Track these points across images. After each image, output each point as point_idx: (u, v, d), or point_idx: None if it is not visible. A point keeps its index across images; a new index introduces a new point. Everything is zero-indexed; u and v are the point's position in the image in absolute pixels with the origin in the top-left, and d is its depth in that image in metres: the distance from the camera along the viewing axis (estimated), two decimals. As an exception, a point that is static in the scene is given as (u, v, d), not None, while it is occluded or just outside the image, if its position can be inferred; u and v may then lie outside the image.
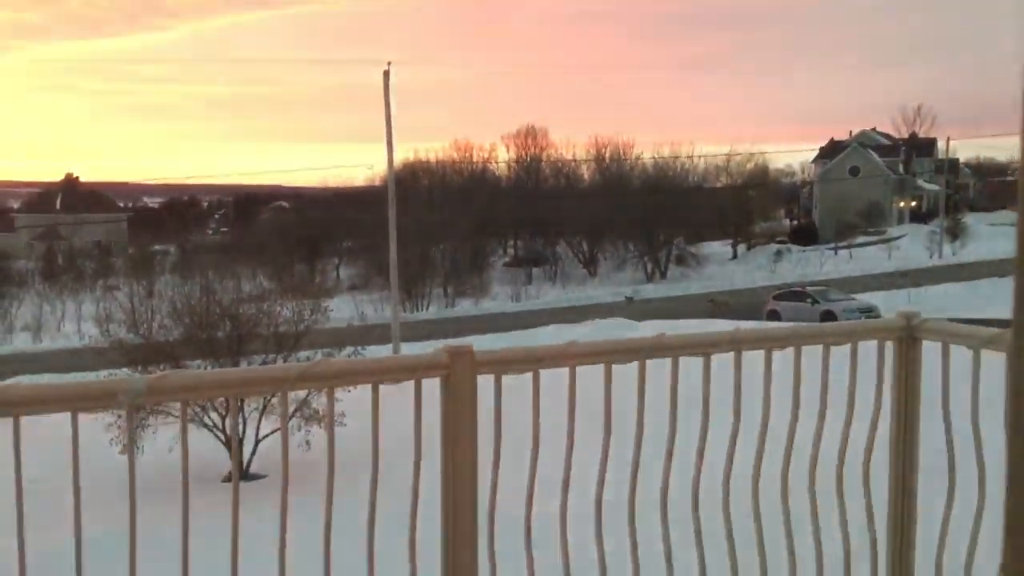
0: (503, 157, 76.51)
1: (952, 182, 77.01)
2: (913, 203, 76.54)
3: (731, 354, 2.72)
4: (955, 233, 61.76)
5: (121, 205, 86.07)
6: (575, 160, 75.39)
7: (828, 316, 32.77)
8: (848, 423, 2.86)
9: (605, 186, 69.90)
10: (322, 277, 58.68)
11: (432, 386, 2.43)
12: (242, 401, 13.06)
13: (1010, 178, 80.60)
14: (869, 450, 2.89)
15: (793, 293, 37.59)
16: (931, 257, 57.71)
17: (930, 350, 2.90)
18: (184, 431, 2.30)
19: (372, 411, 2.40)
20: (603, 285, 57.91)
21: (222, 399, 12.70)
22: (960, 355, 2.78)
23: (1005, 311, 1.34)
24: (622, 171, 72.70)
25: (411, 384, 2.40)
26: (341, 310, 33.94)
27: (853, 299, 36.14)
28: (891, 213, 72.82)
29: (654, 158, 71.66)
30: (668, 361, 2.65)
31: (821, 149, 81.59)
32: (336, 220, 64.25)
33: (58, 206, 73.85)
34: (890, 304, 34.11)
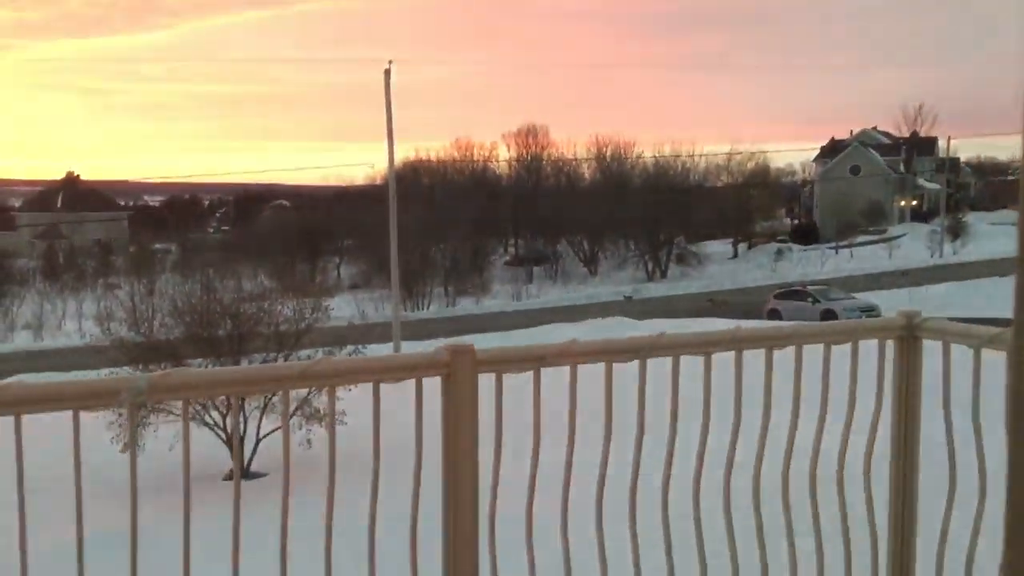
0: (504, 156, 76.56)
1: (953, 181, 76.98)
2: (914, 202, 76.52)
3: (732, 353, 2.72)
4: (956, 232, 61.76)
5: (122, 204, 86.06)
6: (576, 159, 75.43)
7: (829, 315, 32.75)
8: (849, 422, 2.86)
9: (606, 185, 69.84)
10: (323, 276, 58.71)
11: (433, 385, 2.43)
12: (243, 400, 13.06)
13: (1011, 177, 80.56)
14: (870, 449, 2.89)
15: (794, 292, 37.60)
16: (932, 256, 57.71)
17: (931, 349, 2.90)
18: (186, 429, 2.30)
19: (373, 410, 2.40)
20: (604, 284, 57.92)
21: (223, 398, 12.70)
22: (961, 354, 2.78)
23: (1006, 310, 1.34)
24: (623, 170, 72.66)
25: (412, 383, 2.40)
26: (342, 309, 33.95)
27: (854, 298, 36.15)
28: (892, 212, 72.81)
29: (655, 157, 71.69)
30: (669, 360, 2.65)
31: (822, 148, 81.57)
32: (337, 219, 64.28)
33: (59, 205, 73.87)
34: (891, 303, 34.09)
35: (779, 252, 62.39)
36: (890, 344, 2.91)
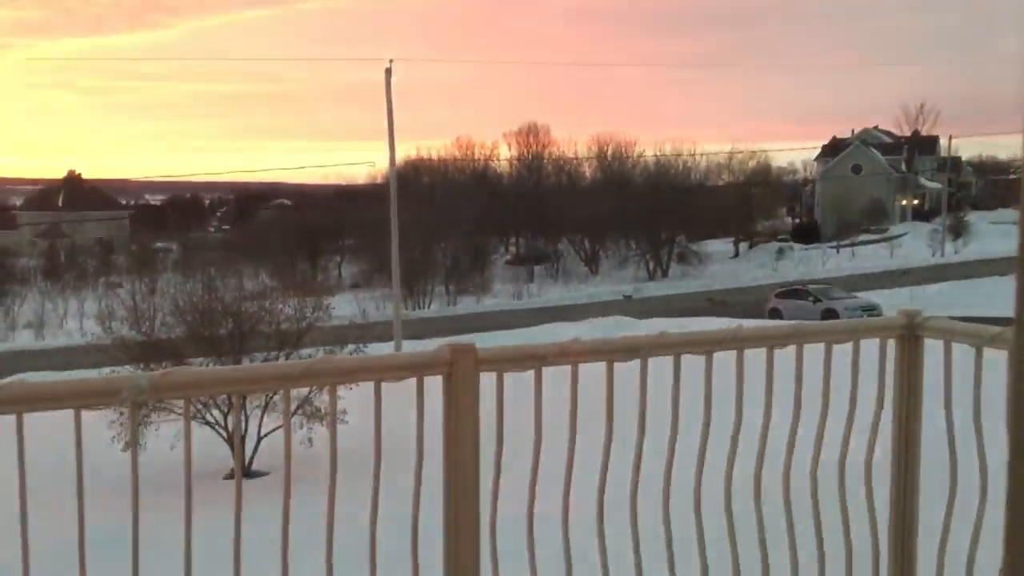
0: (505, 155, 76.58)
1: (954, 180, 76.94)
2: (915, 201, 76.47)
3: (733, 352, 2.72)
4: (957, 231, 61.72)
5: (123, 202, 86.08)
6: (577, 158, 75.44)
7: (830, 314, 32.73)
8: (850, 421, 2.86)
9: (607, 184, 69.83)
10: (324, 275, 58.75)
11: (434, 384, 2.43)
12: (244, 398, 13.07)
13: (1012, 176, 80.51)
14: (871, 448, 2.89)
15: (795, 291, 37.58)
16: (933, 255, 57.68)
17: (932, 348, 2.90)
18: (187, 428, 2.31)
19: (375, 408, 2.40)
20: (605, 283, 57.92)
21: (224, 396, 12.72)
22: (962, 353, 2.78)
23: (1007, 309, 1.34)
24: (624, 169, 72.67)
25: (413, 382, 2.41)
26: (343, 308, 33.95)
27: (855, 297, 36.12)
28: (893, 211, 72.77)
29: (656, 156, 71.70)
30: (670, 359, 2.65)
31: (823, 147, 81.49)
32: (338, 218, 64.27)
33: (60, 203, 73.90)
34: (892, 302, 34.07)
35: (780, 251, 62.36)
36: (891, 343, 2.91)
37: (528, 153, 75.15)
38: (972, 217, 67.84)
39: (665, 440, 2.68)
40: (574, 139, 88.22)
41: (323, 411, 14.25)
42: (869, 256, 59.33)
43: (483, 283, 55.74)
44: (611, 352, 2.61)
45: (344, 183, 76.87)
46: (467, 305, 50.59)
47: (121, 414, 13.11)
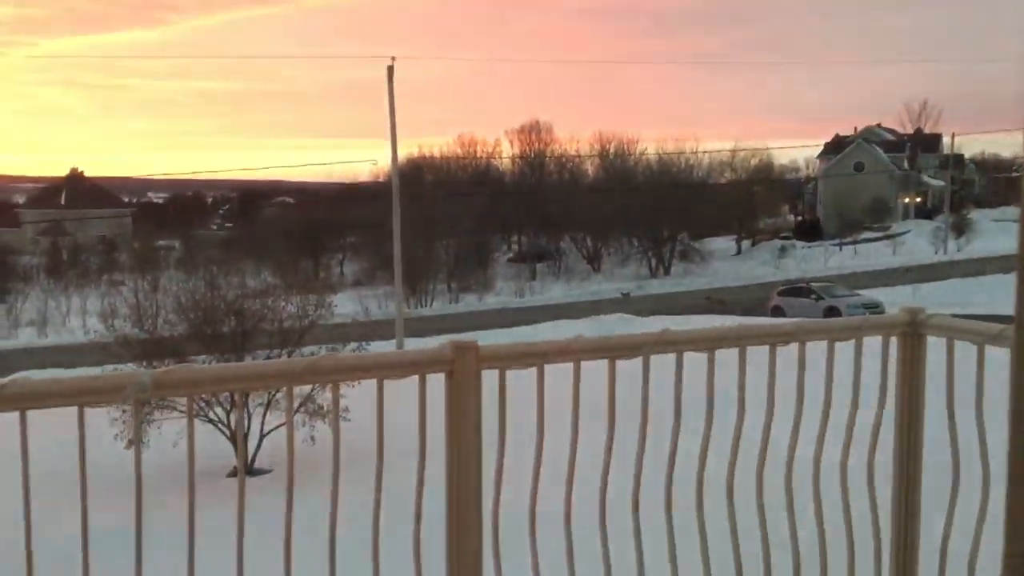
0: (507, 153, 76.51)
1: (957, 178, 76.80)
2: (918, 199, 76.41)
3: (735, 350, 2.72)
4: (960, 229, 61.64)
5: (125, 200, 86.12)
6: (579, 155, 75.37)
7: (832, 312, 32.71)
8: (852, 418, 2.86)
9: (609, 182, 69.80)
10: (326, 273, 58.76)
11: (437, 381, 2.43)
12: (247, 396, 13.08)
13: (1015, 174, 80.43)
14: (873, 445, 2.89)
15: (797, 289, 37.55)
16: (936, 253, 57.63)
17: (935, 346, 2.90)
18: (190, 425, 2.31)
19: (377, 406, 2.41)
20: (607, 281, 57.89)
21: (227, 394, 12.73)
22: (965, 351, 2.78)
23: (1010, 307, 1.34)
24: (626, 167, 72.61)
25: (415, 379, 2.41)
26: (345, 306, 33.93)
27: (858, 295, 36.08)
28: (896, 209, 72.70)
29: (658, 154, 71.58)
30: (672, 357, 2.66)
31: (826, 145, 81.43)
32: (340, 216, 64.28)
33: (63, 201, 73.97)
34: (895, 300, 34.06)
35: (783, 249, 62.31)
36: (894, 341, 2.91)
37: (530, 151, 75.11)
38: (975, 215, 67.74)
39: (667, 437, 2.68)
40: (576, 137, 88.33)
41: (325, 409, 14.25)
42: (872, 254, 59.28)
43: (485, 281, 55.73)
44: (613, 350, 2.61)
45: (346, 181, 76.97)
46: (469, 303, 50.59)
47: (124, 412, 13.12)
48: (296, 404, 14.01)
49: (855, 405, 2.85)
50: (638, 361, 2.61)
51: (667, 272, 60.10)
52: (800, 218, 78.11)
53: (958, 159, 77.83)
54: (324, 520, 2.36)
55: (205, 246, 61.84)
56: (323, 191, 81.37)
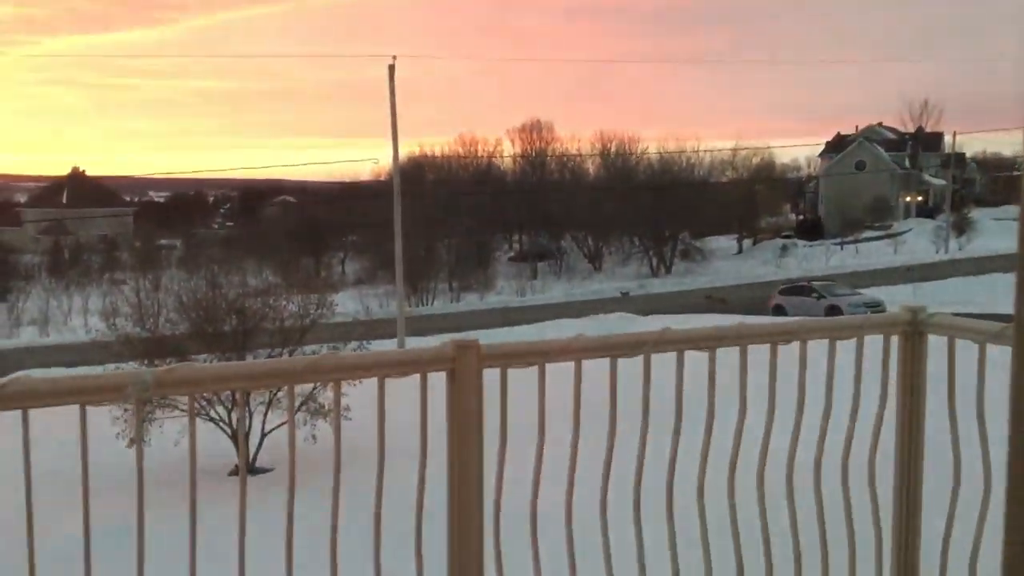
0: (508, 152, 76.46)
1: (959, 177, 76.76)
2: (919, 198, 76.35)
3: (736, 348, 2.72)
4: (961, 228, 61.60)
5: (127, 199, 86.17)
6: (580, 154, 75.32)
7: (833, 311, 32.70)
8: (853, 417, 2.86)
9: (610, 181, 69.77)
10: (327, 272, 58.74)
11: (438, 380, 2.44)
12: (248, 395, 13.09)
13: (1016, 173, 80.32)
14: (874, 444, 2.89)
15: (798, 288, 37.54)
16: (937, 252, 57.60)
17: (936, 345, 2.90)
18: (192, 424, 2.31)
19: (378, 404, 2.41)
20: (608, 280, 57.89)
21: (228, 393, 12.74)
22: (966, 349, 2.78)
23: (1012, 306, 1.34)
24: (627, 165, 72.56)
25: (417, 378, 2.41)
26: (346, 305, 33.94)
27: (859, 294, 36.06)
28: (897, 208, 72.65)
29: (660, 152, 71.53)
30: (673, 355, 2.66)
31: (827, 144, 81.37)
32: (341, 215, 64.30)
33: (64, 200, 74.00)
34: (896, 299, 34.04)
35: (784, 248, 62.29)
36: (895, 339, 2.91)
37: (531, 150, 75.07)
38: (976, 213, 67.69)
39: (668, 436, 2.69)
40: (577, 136, 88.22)
41: (327, 408, 14.26)
42: (873, 253, 59.25)
43: (486, 280, 55.73)
44: (614, 348, 2.61)
45: (347, 180, 76.98)
46: (471, 302, 50.59)
47: (126, 410, 13.13)
48: (297, 403, 14.07)
49: (856, 403, 2.85)
50: (639, 360, 2.61)
51: (668, 271, 60.09)
52: (801, 217, 78.07)
53: (959, 158, 77.78)
54: (326, 519, 2.37)
55: (206, 245, 61.85)
56: (324, 190, 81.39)
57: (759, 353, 2.75)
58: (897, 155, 76.08)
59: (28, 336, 40.80)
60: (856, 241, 62.23)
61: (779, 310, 35.34)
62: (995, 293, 31.09)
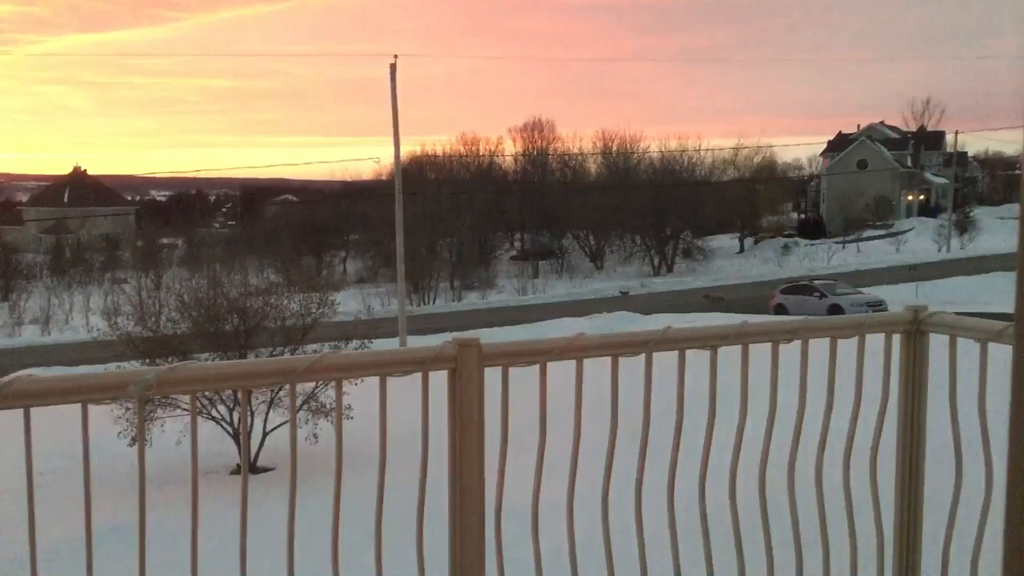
0: (510, 150, 76.40)
1: (960, 176, 76.73)
2: (921, 197, 76.33)
3: (738, 347, 2.72)
4: (963, 227, 61.56)
5: (128, 198, 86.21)
6: (582, 153, 75.28)
7: (835, 310, 32.69)
8: (855, 416, 2.85)
9: (612, 179, 69.75)
10: (329, 270, 58.75)
11: (440, 378, 2.44)
12: (250, 393, 13.10)
13: (1019, 171, 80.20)
14: (876, 442, 2.89)
15: (800, 287, 37.52)
16: (939, 251, 57.57)
17: (937, 343, 2.90)
18: (194, 423, 2.31)
19: (380, 403, 2.41)
20: (610, 279, 57.87)
21: (230, 392, 12.75)
22: (967, 348, 2.78)
23: (1013, 305, 1.34)
24: (629, 164, 72.52)
25: (418, 377, 2.41)
26: (348, 304, 33.96)
27: (861, 293, 36.03)
28: (899, 207, 72.63)
29: (661, 151, 71.47)
30: (675, 354, 2.66)
31: (829, 142, 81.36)
32: (343, 214, 64.32)
33: (66, 200, 74.05)
34: (898, 298, 34.02)
35: (786, 247, 62.28)
36: (897, 338, 2.91)
37: (533, 149, 75.03)
38: (978, 212, 67.67)
39: (669, 435, 2.69)
40: (579, 134, 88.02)
41: (328, 407, 14.27)
42: (875, 252, 59.24)
43: (488, 279, 55.74)
44: (616, 347, 2.61)
45: (349, 179, 77.01)
46: (472, 301, 50.60)
47: (127, 409, 13.15)
48: (299, 402, 14.08)
49: (858, 402, 2.85)
50: (640, 359, 2.61)
51: (670, 270, 60.07)
52: (803, 216, 78.04)
53: (961, 156, 77.77)
54: (327, 517, 2.37)
55: (208, 244, 61.87)
56: (326, 189, 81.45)
57: (761, 352, 2.75)
58: (899, 154, 76.07)
59: (30, 335, 40.83)
60: (858, 240, 62.20)
61: (781, 309, 35.32)
62: (997, 292, 31.07)
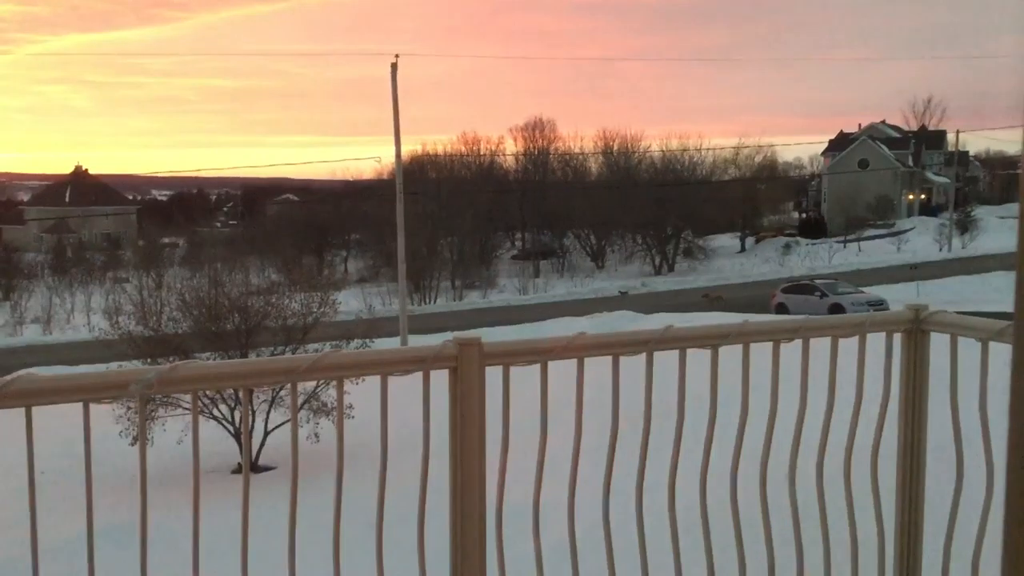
0: (511, 150, 76.36)
1: (962, 175, 76.69)
2: (922, 196, 76.32)
3: (739, 347, 2.72)
4: (964, 226, 61.53)
5: (130, 198, 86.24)
6: (583, 153, 75.25)
7: (836, 309, 32.68)
8: (856, 415, 2.85)
9: (613, 179, 69.72)
10: (330, 270, 58.76)
11: (441, 378, 2.44)
12: (251, 392, 13.10)
13: (1020, 171, 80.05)
14: (877, 442, 2.89)
15: (801, 286, 37.50)
16: (940, 250, 57.54)
17: (938, 343, 2.90)
18: (195, 422, 2.31)
19: (381, 402, 2.41)
20: (611, 278, 57.87)
21: (231, 391, 12.75)
22: (968, 348, 2.78)
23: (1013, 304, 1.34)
24: (630, 164, 72.49)
25: (419, 376, 2.41)
26: (349, 303, 33.97)
27: (862, 292, 36.02)
28: (900, 206, 72.62)
29: (662, 151, 71.43)
30: (676, 353, 2.66)
31: (830, 142, 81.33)
32: (344, 213, 64.34)
33: (67, 199, 74.08)
34: (899, 297, 34.00)
35: (787, 246, 62.26)
36: (897, 337, 2.91)
37: (534, 148, 74.97)
38: (979, 212, 67.64)
39: (670, 433, 2.69)
40: (580, 134, 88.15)
41: (329, 406, 14.28)
42: (876, 251, 59.22)
43: (489, 278, 55.75)
44: (616, 346, 2.61)
45: (350, 178, 76.99)
46: (473, 300, 50.60)
47: (129, 408, 13.16)
48: (300, 401, 14.09)
49: (859, 401, 2.85)
50: (641, 358, 2.61)
51: (671, 269, 60.07)
52: (804, 215, 78.03)
53: (963, 156, 77.73)
54: (328, 515, 2.37)
55: (209, 244, 61.85)
56: (327, 188, 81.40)
57: (762, 351, 2.75)
58: (900, 153, 76.05)
59: (31, 334, 40.86)
60: (859, 239, 62.19)
61: (782, 308, 35.30)
62: (998, 291, 31.05)
